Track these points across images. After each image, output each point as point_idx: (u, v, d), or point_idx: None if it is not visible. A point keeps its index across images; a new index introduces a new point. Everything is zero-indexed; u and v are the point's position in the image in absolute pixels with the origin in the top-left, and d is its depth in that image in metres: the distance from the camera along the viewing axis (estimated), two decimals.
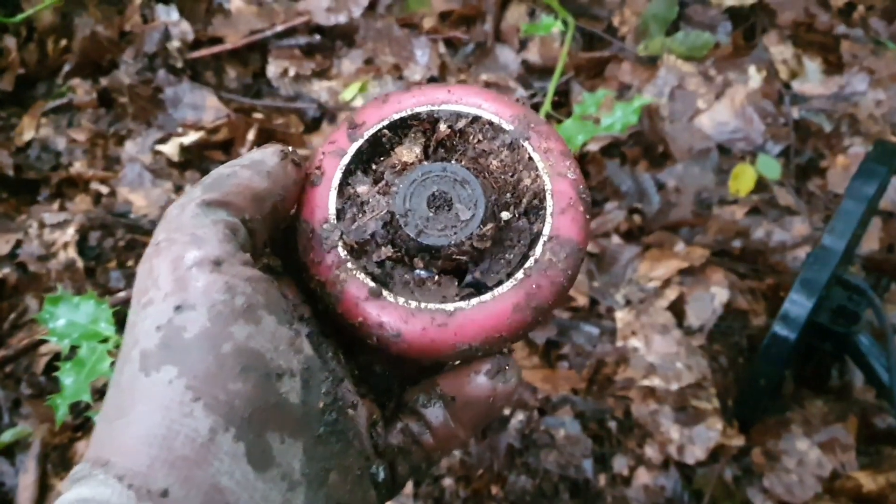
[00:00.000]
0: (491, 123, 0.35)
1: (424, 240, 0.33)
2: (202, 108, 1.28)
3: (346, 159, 0.35)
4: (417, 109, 0.35)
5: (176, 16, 1.37)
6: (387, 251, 0.34)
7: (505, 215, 0.35)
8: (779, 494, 0.94)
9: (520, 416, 0.98)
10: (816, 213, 1.18)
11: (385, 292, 0.33)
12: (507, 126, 0.35)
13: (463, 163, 0.35)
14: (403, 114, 0.35)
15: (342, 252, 0.33)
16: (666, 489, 0.95)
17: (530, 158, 0.35)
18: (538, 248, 0.34)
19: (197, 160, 1.26)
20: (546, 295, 0.33)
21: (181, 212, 0.31)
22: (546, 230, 0.34)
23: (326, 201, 0.34)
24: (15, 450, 0.99)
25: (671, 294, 1.09)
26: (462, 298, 0.33)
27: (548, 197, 0.34)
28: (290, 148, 0.35)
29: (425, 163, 0.35)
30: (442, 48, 1.36)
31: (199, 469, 0.26)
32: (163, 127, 1.28)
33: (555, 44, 1.36)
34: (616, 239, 1.16)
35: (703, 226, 1.17)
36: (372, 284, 0.33)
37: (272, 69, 1.34)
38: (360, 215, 0.34)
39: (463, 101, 0.36)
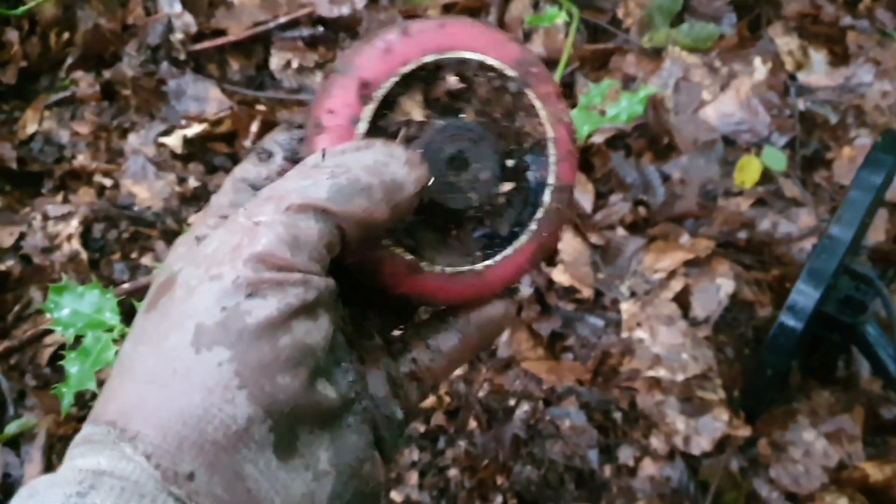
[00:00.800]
0: (494, 69, 0.34)
1: (451, 204, 0.33)
2: (205, 100, 1.28)
3: (363, 126, 0.33)
4: (424, 60, 0.33)
5: (179, 8, 1.36)
6: (411, 217, 0.33)
7: (509, 163, 0.35)
8: (785, 485, 0.94)
9: (525, 406, 0.98)
10: (822, 205, 1.18)
11: (423, 264, 0.33)
12: (510, 73, 0.34)
13: (471, 115, 0.34)
14: (412, 66, 0.33)
15: None
16: (672, 480, 0.94)
17: (532, 105, 0.34)
18: (546, 197, 0.35)
19: (200, 152, 1.25)
20: (554, 239, 0.36)
21: (298, 202, 0.28)
22: (551, 179, 0.35)
23: None
24: (20, 441, 0.99)
25: (676, 285, 1.09)
26: (484, 254, 0.34)
27: (550, 145, 0.35)
28: (433, 179, 0.32)
29: (438, 121, 0.33)
30: None
31: (227, 455, 0.25)
32: (166, 119, 1.28)
33: (559, 35, 1.35)
34: (621, 231, 1.16)
35: (708, 217, 1.17)
36: (410, 258, 0.33)
37: (275, 61, 1.34)
38: None
39: (464, 44, 0.34)
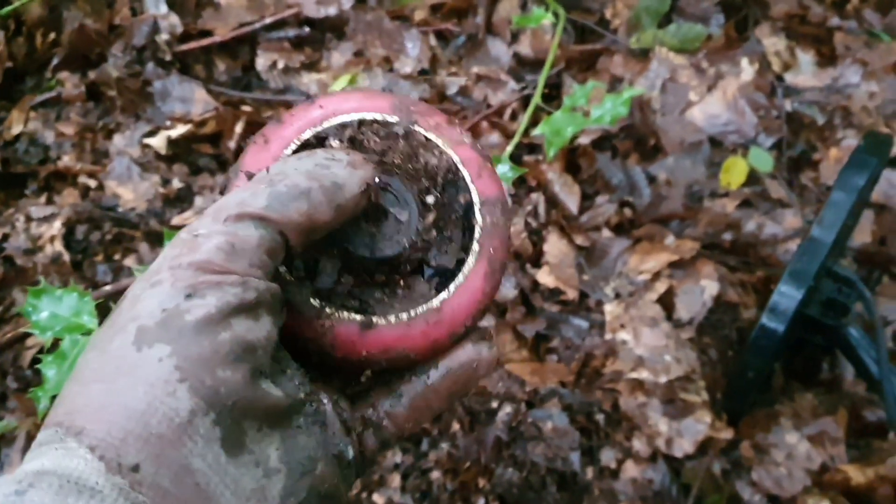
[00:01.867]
0: (376, 121, 0.35)
1: (380, 255, 0.33)
2: (191, 101, 1.28)
3: None
4: (304, 137, 0.34)
5: (165, 8, 1.36)
6: (348, 280, 0.33)
7: (430, 199, 0.35)
8: (767, 487, 0.94)
9: (507, 408, 0.98)
10: (808, 206, 1.18)
11: (375, 318, 0.33)
12: (391, 119, 0.35)
13: None
14: (292, 147, 0.34)
15: (315, 302, 0.32)
16: (654, 482, 0.94)
17: (427, 139, 0.35)
18: (477, 216, 0.35)
19: (185, 153, 1.25)
20: (502, 253, 0.36)
21: (236, 212, 0.29)
22: (475, 198, 0.35)
23: None
24: (0, 444, 0.99)
25: (661, 287, 1.08)
26: (437, 290, 0.34)
27: (460, 167, 0.36)
28: (378, 179, 0.33)
29: None
30: (433, 40, 1.36)
31: (173, 448, 0.26)
32: (151, 120, 1.27)
33: (547, 36, 1.35)
34: (606, 232, 1.15)
35: (693, 219, 1.17)
36: (360, 317, 0.32)
37: (261, 62, 1.34)
38: (310, 261, 0.33)
39: (337, 110, 0.35)
